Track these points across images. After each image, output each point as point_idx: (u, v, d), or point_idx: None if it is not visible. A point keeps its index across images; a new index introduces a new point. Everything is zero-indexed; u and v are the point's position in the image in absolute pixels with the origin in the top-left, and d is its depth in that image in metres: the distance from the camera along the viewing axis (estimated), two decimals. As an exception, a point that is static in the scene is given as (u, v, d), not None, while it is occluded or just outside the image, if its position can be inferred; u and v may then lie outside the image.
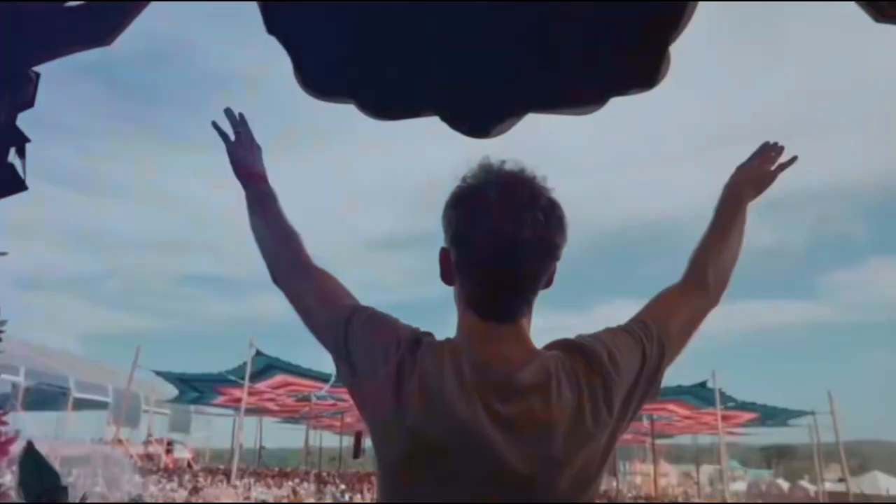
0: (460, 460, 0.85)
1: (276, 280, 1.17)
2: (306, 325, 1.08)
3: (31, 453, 2.01)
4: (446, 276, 1.01)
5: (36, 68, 1.71)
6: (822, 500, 20.83)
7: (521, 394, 0.87)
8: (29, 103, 1.76)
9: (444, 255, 1.00)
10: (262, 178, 1.29)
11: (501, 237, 0.91)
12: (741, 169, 1.31)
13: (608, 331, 1.01)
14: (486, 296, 0.95)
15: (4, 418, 2.36)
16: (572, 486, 0.87)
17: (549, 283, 0.99)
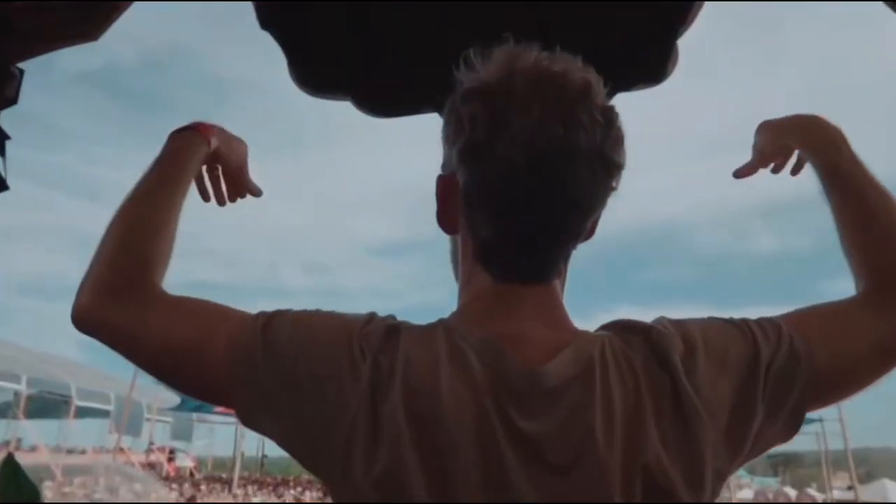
0: (467, 498, 0.55)
1: (87, 307, 0.72)
2: (165, 374, 0.71)
3: (10, 465, 1.95)
4: (445, 216, 0.69)
5: (20, 64, 1.67)
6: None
7: (552, 398, 0.58)
8: (12, 100, 1.70)
9: (443, 183, 0.68)
10: (203, 132, 0.85)
11: (542, 143, 0.58)
12: (796, 132, 0.85)
13: (716, 322, 0.67)
14: (510, 241, 0.63)
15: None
16: None
17: (591, 233, 0.70)
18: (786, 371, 0.62)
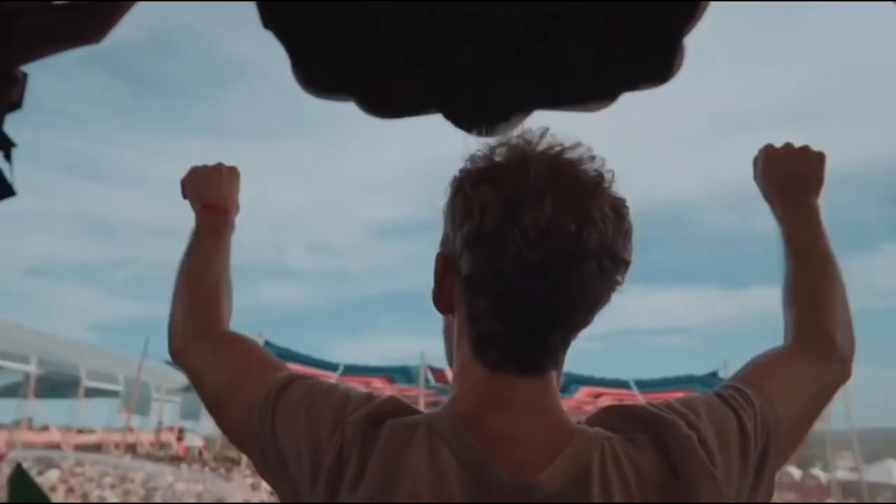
0: None
1: (174, 353, 0.85)
2: (212, 414, 0.76)
3: (20, 475, 1.99)
4: (441, 295, 0.67)
5: (24, 68, 1.67)
6: (833, 489, 20.77)
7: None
8: (17, 104, 1.70)
9: (443, 262, 0.66)
10: (220, 210, 0.98)
11: (554, 237, 0.56)
12: (772, 172, 0.92)
13: (679, 401, 0.66)
14: (511, 333, 0.61)
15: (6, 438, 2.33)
16: None
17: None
18: (765, 443, 0.63)
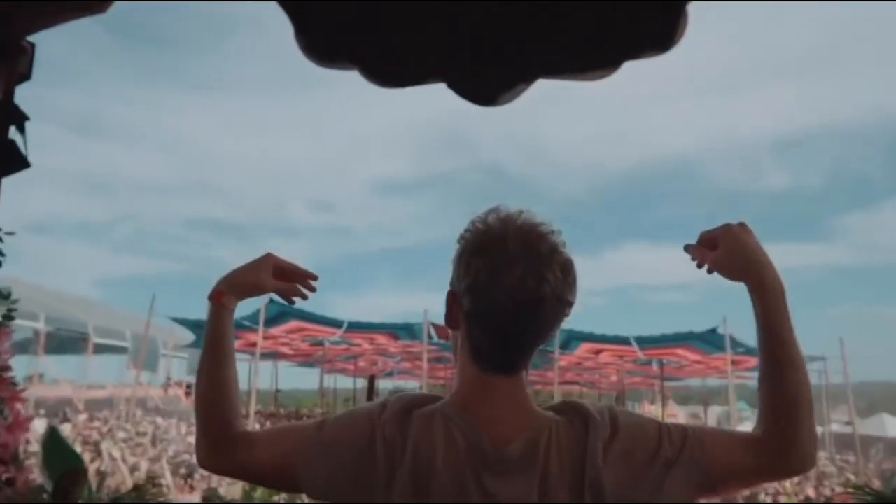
0: None
1: (202, 466, 1.07)
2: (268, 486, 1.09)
3: (53, 436, 2.07)
4: (451, 320, 0.96)
5: (31, 38, 1.67)
6: (827, 442, 21.19)
7: (509, 470, 0.85)
8: (26, 75, 1.71)
9: (452, 297, 0.95)
10: (214, 298, 1.08)
11: (522, 291, 0.87)
12: (730, 271, 1.00)
13: (644, 418, 0.94)
14: (495, 348, 0.92)
15: (23, 395, 2.41)
16: None
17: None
18: (674, 471, 0.87)
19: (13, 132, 1.95)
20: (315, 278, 1.15)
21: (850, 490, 2.28)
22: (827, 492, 9.03)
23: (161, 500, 2.16)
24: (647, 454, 0.88)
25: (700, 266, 1.03)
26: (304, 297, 1.16)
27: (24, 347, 28.30)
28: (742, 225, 0.97)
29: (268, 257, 1.10)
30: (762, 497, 8.12)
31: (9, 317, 2.48)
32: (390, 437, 0.87)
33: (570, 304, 0.91)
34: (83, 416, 15.65)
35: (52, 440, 2.06)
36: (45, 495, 1.96)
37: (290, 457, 0.94)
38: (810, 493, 8.99)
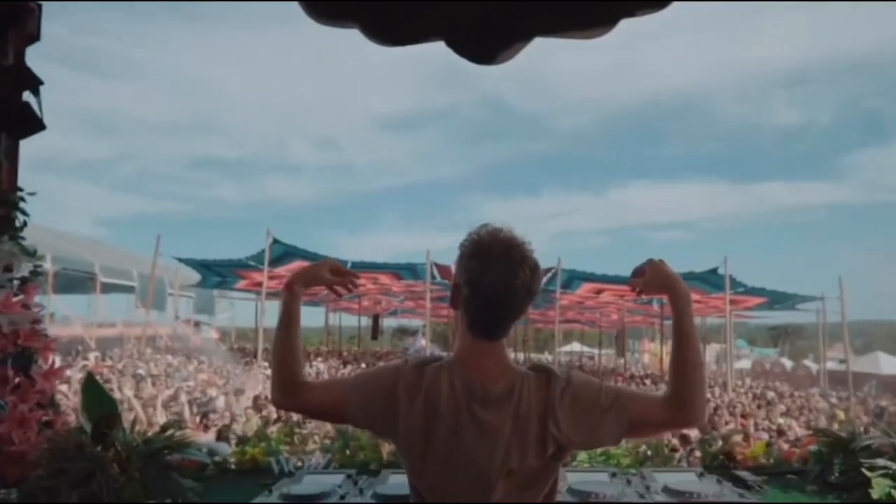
0: (449, 447, 1.21)
1: (274, 405, 1.58)
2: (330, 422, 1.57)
3: (91, 383, 2.19)
4: (454, 303, 1.31)
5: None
6: (822, 379, 21.66)
7: (493, 404, 1.21)
8: (34, 36, 1.73)
9: (456, 287, 1.30)
10: (285, 287, 1.46)
11: (502, 283, 1.21)
12: (655, 289, 1.41)
13: (591, 380, 1.29)
14: (484, 322, 1.25)
15: (53, 345, 2.54)
16: (519, 487, 1.19)
17: (525, 314, 1.32)
18: (608, 415, 1.23)
19: (27, 94, 1.99)
20: (358, 277, 1.54)
21: (811, 434, 2.45)
22: (812, 425, 9.34)
23: (190, 439, 2.30)
24: (590, 402, 1.23)
25: (634, 290, 1.43)
26: (350, 291, 1.56)
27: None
28: (661, 260, 1.38)
29: (328, 261, 1.49)
30: (757, 432, 8.43)
31: (35, 272, 2.58)
32: (410, 382, 1.24)
33: (535, 292, 1.26)
34: (94, 354, 16.02)
35: (90, 387, 2.19)
36: (83, 436, 2.10)
37: (338, 399, 1.32)
38: (797, 427, 9.30)
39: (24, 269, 2.60)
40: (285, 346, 1.39)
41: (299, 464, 2.39)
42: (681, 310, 1.31)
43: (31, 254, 2.56)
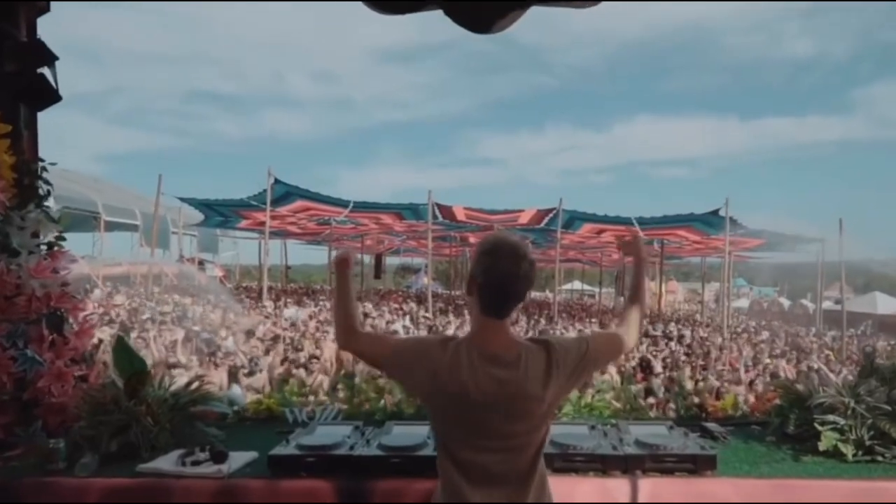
0: (471, 402, 1.50)
1: (341, 348, 2.03)
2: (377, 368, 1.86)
3: (122, 343, 2.41)
4: (470, 290, 1.58)
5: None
6: (818, 319, 22.07)
7: (505, 365, 1.52)
8: (44, 7, 1.78)
9: (472, 278, 1.58)
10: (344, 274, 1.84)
11: (509, 272, 1.52)
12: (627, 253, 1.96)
13: (570, 338, 1.69)
14: (495, 304, 1.55)
15: (83, 305, 2.75)
16: (527, 416, 1.52)
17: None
18: (583, 361, 1.61)
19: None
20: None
21: (775, 389, 2.67)
22: (803, 367, 9.69)
23: (211, 393, 2.54)
24: (573, 361, 1.58)
25: (620, 249, 1.99)
26: None
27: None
28: (638, 235, 2.03)
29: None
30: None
31: (61, 238, 2.77)
32: (437, 356, 1.54)
33: (532, 282, 1.57)
34: (98, 293, 16.36)
35: (121, 346, 2.41)
36: (118, 390, 2.33)
37: (381, 354, 1.66)
38: (789, 369, 9.64)
39: (50, 234, 2.80)
40: (344, 307, 1.76)
41: (312, 414, 2.64)
42: (641, 268, 1.89)
43: (56, 220, 2.74)
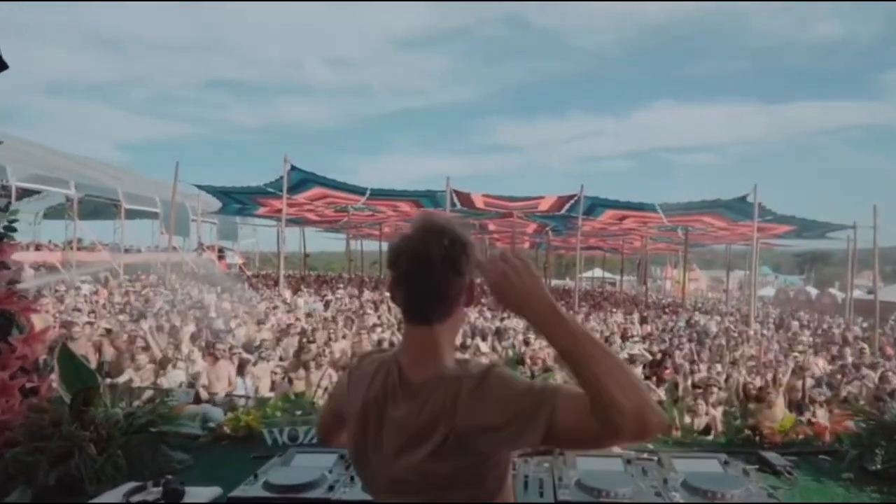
0: (369, 438, 1.16)
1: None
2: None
3: (66, 353, 2.04)
4: (393, 298, 1.20)
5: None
6: (848, 308, 21.31)
7: (407, 396, 1.13)
8: None
9: (391, 281, 1.20)
10: None
11: (416, 254, 1.12)
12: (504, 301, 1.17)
13: (508, 379, 1.10)
14: (408, 302, 1.16)
15: (37, 307, 2.39)
16: (434, 487, 1.09)
17: (469, 300, 1.18)
18: (532, 419, 1.03)
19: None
20: None
21: (847, 411, 2.22)
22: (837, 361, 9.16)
23: (177, 411, 2.18)
24: (508, 404, 1.05)
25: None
26: None
27: (58, 213, 29.21)
28: (505, 251, 1.16)
29: None
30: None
31: (10, 228, 2.40)
32: (356, 374, 1.24)
33: (461, 270, 1.13)
34: (114, 282, 16.27)
35: (65, 357, 2.05)
36: (64, 408, 1.98)
37: (333, 414, 1.34)
38: (821, 362, 9.16)
39: (-1, 224, 2.43)
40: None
41: (295, 433, 2.27)
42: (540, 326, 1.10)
43: (4, 209, 2.38)
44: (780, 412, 4.56)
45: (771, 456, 2.08)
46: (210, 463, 2.12)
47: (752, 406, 4.33)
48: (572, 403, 1.02)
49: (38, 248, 27.68)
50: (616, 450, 2.00)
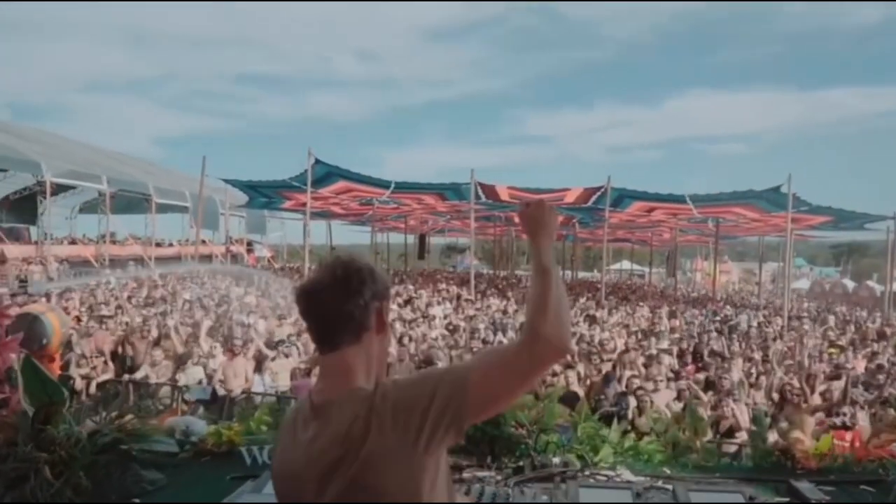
0: (288, 468, 1.16)
1: None
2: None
3: (30, 365, 1.90)
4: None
5: None
6: (887, 301, 20.58)
7: (313, 418, 1.14)
8: None
9: None
10: None
11: (307, 288, 1.17)
12: (525, 227, 1.30)
13: (413, 380, 1.18)
14: (313, 332, 1.20)
15: (9, 311, 2.26)
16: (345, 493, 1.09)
17: (380, 326, 1.20)
18: (452, 404, 1.09)
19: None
20: None
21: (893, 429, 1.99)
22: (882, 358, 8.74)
23: (149, 427, 2.02)
24: (411, 402, 1.10)
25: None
26: None
27: (93, 208, 29.80)
28: (541, 203, 1.30)
29: None
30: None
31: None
32: (285, 423, 1.26)
33: (360, 293, 1.16)
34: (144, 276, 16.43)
35: (29, 369, 1.90)
36: (26, 423, 1.84)
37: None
38: (861, 363, 8.75)
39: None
40: None
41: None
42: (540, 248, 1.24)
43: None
44: (811, 425, 4.29)
45: (804, 487, 1.84)
46: (185, 482, 1.97)
47: (783, 425, 4.06)
48: (481, 362, 1.18)
49: (72, 242, 28.29)
50: (626, 477, 1.80)
